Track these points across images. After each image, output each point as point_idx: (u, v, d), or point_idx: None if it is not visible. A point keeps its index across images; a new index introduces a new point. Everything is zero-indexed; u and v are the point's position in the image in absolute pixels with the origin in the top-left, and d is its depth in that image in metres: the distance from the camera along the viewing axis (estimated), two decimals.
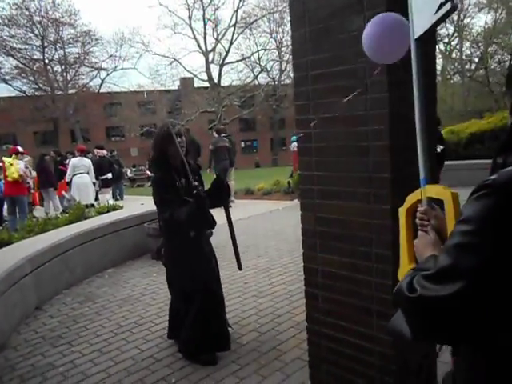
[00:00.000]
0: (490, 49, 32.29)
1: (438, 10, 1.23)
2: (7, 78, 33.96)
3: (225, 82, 35.94)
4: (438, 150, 11.45)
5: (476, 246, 0.84)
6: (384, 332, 2.24)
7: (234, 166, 10.66)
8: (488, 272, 0.82)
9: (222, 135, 10.41)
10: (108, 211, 7.57)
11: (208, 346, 3.26)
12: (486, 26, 33.28)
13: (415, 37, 1.40)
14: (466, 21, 34.53)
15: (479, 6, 33.40)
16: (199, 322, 3.24)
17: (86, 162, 10.51)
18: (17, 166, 9.13)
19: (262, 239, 7.10)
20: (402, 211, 1.42)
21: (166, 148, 3.12)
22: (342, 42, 2.19)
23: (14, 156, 9.38)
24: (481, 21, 47.87)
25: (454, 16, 34.17)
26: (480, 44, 32.87)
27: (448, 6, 1.19)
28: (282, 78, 35.43)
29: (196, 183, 3.03)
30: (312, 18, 2.30)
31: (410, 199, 1.41)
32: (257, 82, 35.78)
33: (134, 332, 3.86)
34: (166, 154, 3.14)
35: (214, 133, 10.60)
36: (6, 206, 9.85)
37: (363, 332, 2.33)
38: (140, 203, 10.42)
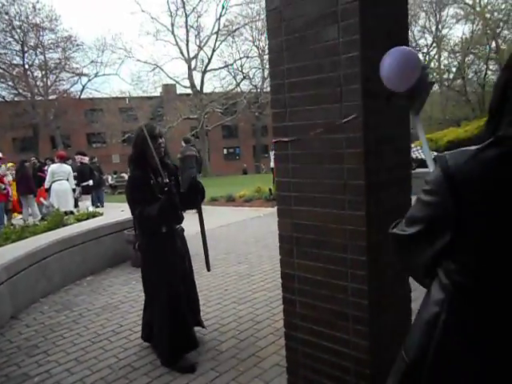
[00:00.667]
0: (467, 59, 33.07)
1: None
2: None
3: (207, 89, 36.07)
4: (421, 155, 11.68)
5: (428, 201, 1.16)
6: (360, 337, 2.27)
7: (200, 173, 10.93)
8: (435, 220, 1.14)
9: (190, 144, 10.72)
10: (87, 218, 7.48)
11: (179, 349, 3.28)
12: (464, 37, 34.13)
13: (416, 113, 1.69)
14: (444, 31, 35.38)
15: (457, 18, 34.24)
16: (165, 323, 3.27)
17: (66, 168, 10.36)
18: None
19: (243, 246, 7.11)
20: None
21: (144, 148, 3.19)
22: (317, 51, 2.24)
23: None
24: (458, 32, 49.12)
25: (433, 27, 35.00)
26: (457, 54, 33.65)
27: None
28: (265, 86, 35.60)
29: (167, 180, 3.12)
30: (288, 27, 2.34)
31: None
32: (239, 90, 35.91)
33: (112, 340, 3.82)
34: (145, 153, 3.22)
35: (182, 142, 10.93)
36: None
37: (339, 337, 2.35)
38: (120, 210, 10.35)
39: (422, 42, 34.84)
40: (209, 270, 3.71)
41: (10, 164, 12.60)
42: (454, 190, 1.07)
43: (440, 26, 34.93)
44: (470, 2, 32.27)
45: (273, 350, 3.42)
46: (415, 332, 1.26)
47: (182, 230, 3.55)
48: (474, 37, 32.61)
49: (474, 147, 1.09)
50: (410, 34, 32.55)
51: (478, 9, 32.02)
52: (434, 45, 35.07)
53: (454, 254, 1.15)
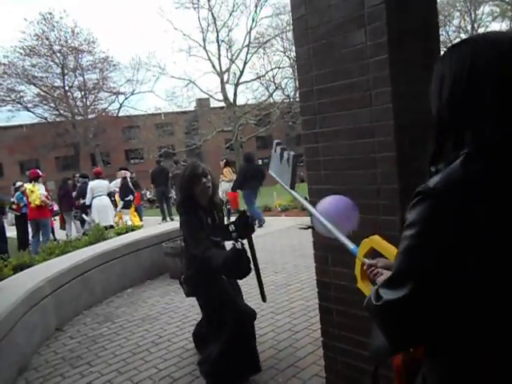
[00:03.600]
0: None
1: (288, 162, 1.77)
2: (29, 105, 35.05)
3: (240, 101, 36.31)
4: None
5: (419, 247, 0.91)
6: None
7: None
8: (433, 270, 0.89)
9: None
10: (127, 232, 7.67)
11: (236, 371, 3.12)
12: None
13: (289, 187, 1.88)
14: (480, 30, 34.35)
15: (493, 15, 33.28)
16: (231, 347, 3.07)
17: (104, 183, 10.69)
18: (37, 193, 9.30)
19: (280, 255, 7.08)
20: (359, 285, 1.56)
21: (191, 189, 3.13)
22: (345, 56, 2.23)
23: (33, 182, 9.55)
24: (495, 29, 47.50)
25: (468, 26, 34.12)
26: None
27: (291, 156, 1.77)
28: (297, 95, 35.63)
29: (235, 234, 3.06)
30: (314, 34, 2.34)
31: (357, 271, 1.53)
32: (272, 100, 36.03)
33: (152, 351, 3.87)
34: (192, 194, 3.14)
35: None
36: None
37: None
38: (158, 223, 10.56)
39: (457, 41, 33.99)
40: (264, 300, 3.54)
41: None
42: (453, 222, 0.88)
43: (476, 25, 34.02)
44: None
45: (312, 360, 3.37)
46: None
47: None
48: None
49: (451, 168, 0.93)
50: (444, 34, 31.88)
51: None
52: None
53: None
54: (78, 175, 13.81)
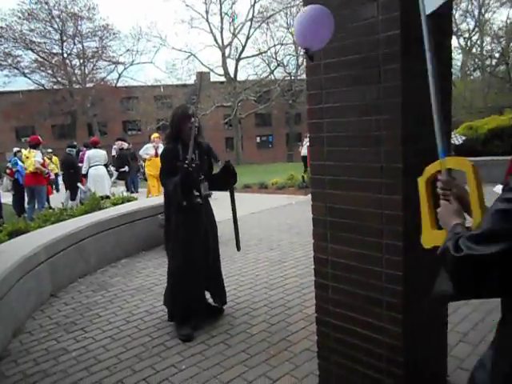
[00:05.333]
0: (511, 44, 31.59)
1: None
2: (26, 71, 34.53)
3: (241, 77, 35.94)
4: (459, 141, 11.26)
5: None
6: (393, 323, 2.23)
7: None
8: None
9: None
10: (123, 202, 7.65)
11: (184, 315, 3.60)
12: (508, 21, 32.56)
13: (427, 13, 1.48)
14: (487, 15, 33.83)
15: (501, 1, 32.66)
16: (174, 291, 3.62)
17: (101, 153, 10.61)
18: (32, 160, 9.22)
19: (275, 233, 7.11)
20: (422, 181, 1.47)
21: (179, 126, 3.49)
22: (355, 30, 2.17)
23: (29, 149, 9.46)
24: (502, 16, 46.77)
25: (475, 10, 33.57)
26: (501, 39, 32.17)
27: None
28: (299, 73, 35.23)
29: (193, 157, 3.37)
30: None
31: (429, 169, 1.46)
32: (273, 77, 35.65)
33: (146, 320, 3.91)
34: (179, 131, 3.51)
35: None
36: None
37: (372, 323, 2.32)
38: (150, 195, 10.54)
39: (463, 26, 33.45)
40: (239, 249, 3.91)
41: (49, 150, 13.04)
42: None
43: (483, 10, 33.45)
44: None
45: (303, 335, 3.42)
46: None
47: (201, 204, 3.61)
48: None
49: None
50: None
51: None
52: (477, 29, 33.65)
53: None
54: (75, 143, 13.69)
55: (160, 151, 9.70)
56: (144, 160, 11.28)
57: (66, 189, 11.35)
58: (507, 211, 0.95)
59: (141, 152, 10.95)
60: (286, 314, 3.85)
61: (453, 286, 1.03)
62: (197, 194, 3.53)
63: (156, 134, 11.10)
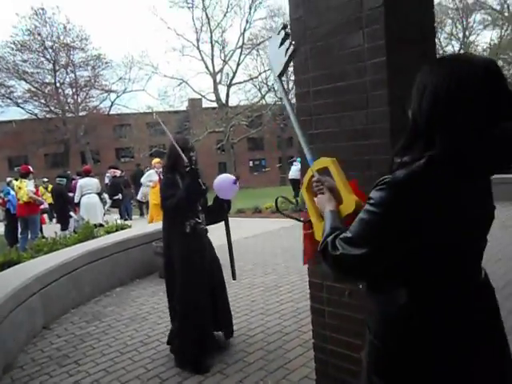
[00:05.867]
0: None
1: (286, 51, 1.75)
2: (19, 101, 34.61)
3: (232, 102, 36.20)
4: None
5: (377, 224, 1.18)
6: None
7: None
8: (384, 242, 1.18)
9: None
10: (116, 230, 7.61)
11: (195, 353, 3.43)
12: (492, 43, 33.45)
13: (277, 74, 1.82)
14: (471, 38, 34.77)
15: (484, 24, 33.65)
16: (188, 324, 3.46)
17: (94, 181, 10.60)
18: (25, 189, 9.18)
19: (270, 257, 7.07)
20: (303, 191, 1.67)
21: (177, 160, 3.53)
22: (342, 58, 2.23)
23: (20, 179, 9.42)
24: (486, 38, 48.14)
25: (459, 33, 34.48)
26: None
27: (291, 48, 1.73)
28: (289, 97, 35.72)
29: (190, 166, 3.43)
30: (312, 35, 2.35)
31: (305, 179, 1.66)
32: (264, 102, 36.06)
33: (141, 351, 3.84)
34: (177, 164, 3.57)
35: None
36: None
37: None
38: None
39: (449, 48, 34.27)
40: (234, 278, 3.88)
41: (44, 179, 13.01)
42: (406, 211, 1.14)
43: (467, 33, 34.38)
44: (498, 8, 31.71)
45: (301, 362, 3.37)
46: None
47: (206, 230, 3.70)
48: (502, 42, 31.95)
49: (416, 166, 1.14)
50: (436, 41, 32.28)
51: (506, 14, 31.41)
52: (462, 51, 34.49)
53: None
54: (68, 172, 13.73)
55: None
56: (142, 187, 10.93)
57: (57, 219, 11.28)
58: (367, 222, 1.19)
59: (143, 179, 10.49)
60: (283, 341, 3.80)
61: (332, 274, 1.36)
62: (199, 220, 3.55)
63: (157, 159, 10.66)
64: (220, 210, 3.74)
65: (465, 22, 34.39)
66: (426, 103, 1.16)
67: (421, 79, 1.21)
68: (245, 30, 34.75)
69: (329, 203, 1.47)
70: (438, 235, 1.16)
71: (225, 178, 3.74)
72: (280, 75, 1.81)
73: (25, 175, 9.48)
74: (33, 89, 34.62)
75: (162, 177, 9.38)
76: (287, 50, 1.75)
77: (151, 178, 10.22)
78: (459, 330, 1.21)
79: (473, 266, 1.27)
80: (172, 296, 3.60)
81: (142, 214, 13.67)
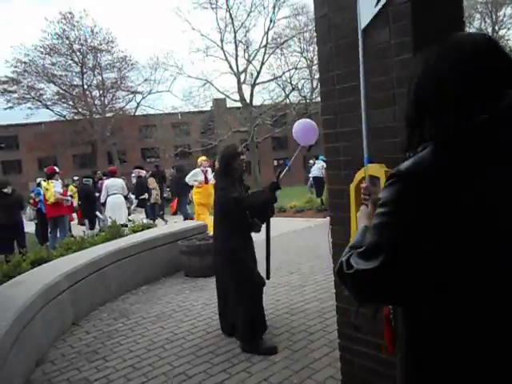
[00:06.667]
0: None
1: (377, 4, 1.62)
2: (49, 103, 35.59)
3: (257, 102, 36.17)
4: None
5: (390, 225, 1.01)
6: None
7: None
8: (402, 245, 0.98)
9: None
10: (143, 229, 7.72)
11: (260, 332, 3.75)
12: None
13: (362, 27, 1.74)
14: (501, 32, 33.81)
15: None
16: (251, 309, 3.73)
17: (119, 182, 10.78)
18: (52, 190, 9.39)
19: (295, 256, 7.05)
20: (352, 188, 1.63)
21: (231, 163, 3.77)
22: (368, 55, 2.19)
23: (47, 180, 9.63)
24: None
25: (489, 28, 33.60)
26: None
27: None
28: (314, 96, 35.48)
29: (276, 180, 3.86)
30: (337, 33, 2.33)
31: (357, 176, 1.63)
32: (288, 101, 35.93)
33: (167, 348, 3.88)
34: (230, 168, 3.77)
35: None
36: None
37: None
38: (173, 221, 10.62)
39: None
40: (268, 277, 4.04)
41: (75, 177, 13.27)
42: (420, 204, 0.97)
43: (497, 27, 33.47)
44: None
45: (327, 362, 3.35)
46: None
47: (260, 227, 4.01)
48: None
49: (422, 155, 1.03)
50: None
51: None
52: None
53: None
54: (99, 172, 14.02)
55: (209, 176, 9.23)
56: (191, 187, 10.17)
57: (84, 218, 11.52)
58: (378, 226, 1.03)
59: (188, 178, 9.78)
60: (308, 340, 3.79)
61: (353, 298, 1.10)
62: (257, 221, 3.87)
63: (203, 157, 10.10)
64: (264, 212, 3.89)
65: (494, 16, 33.50)
66: (412, 92, 1.12)
67: (409, 69, 1.17)
68: (269, 29, 34.68)
69: (367, 219, 1.38)
70: (463, 232, 0.97)
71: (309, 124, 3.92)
72: (363, 30, 1.71)
73: (51, 176, 9.67)
74: (61, 91, 35.52)
75: (207, 176, 9.33)
76: (377, 3, 1.67)
77: (197, 177, 9.54)
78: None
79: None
80: (224, 290, 3.94)
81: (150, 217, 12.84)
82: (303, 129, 3.68)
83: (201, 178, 9.46)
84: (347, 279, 1.06)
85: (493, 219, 0.97)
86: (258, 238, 4.07)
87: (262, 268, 3.97)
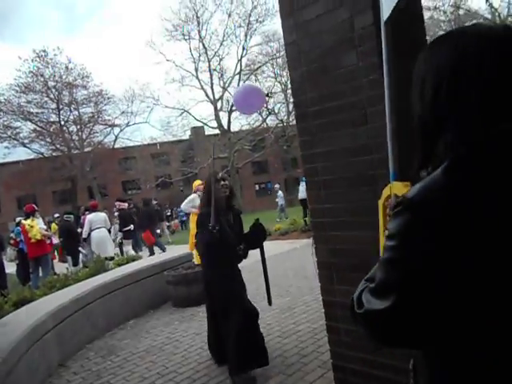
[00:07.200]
0: None
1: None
2: (25, 141, 35.24)
3: (234, 128, 36.65)
4: None
5: (399, 260, 0.87)
6: (407, 361, 2.18)
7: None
8: (413, 283, 0.85)
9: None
10: (127, 262, 7.62)
11: (249, 361, 3.55)
12: None
13: (384, 19, 1.64)
14: None
15: None
16: (241, 338, 3.53)
17: (102, 215, 10.72)
18: (37, 227, 9.26)
19: (283, 279, 7.03)
20: (380, 204, 1.56)
21: (211, 191, 3.63)
22: (338, 77, 2.28)
23: (31, 218, 9.49)
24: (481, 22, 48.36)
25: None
26: None
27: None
28: (290, 119, 36.03)
29: (214, 226, 3.42)
30: (307, 57, 2.41)
31: (384, 193, 1.56)
32: (266, 125, 36.43)
33: (158, 383, 3.80)
34: (211, 195, 3.62)
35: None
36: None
37: (388, 364, 2.27)
38: (159, 253, 10.52)
39: None
40: (270, 304, 4.03)
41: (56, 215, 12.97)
42: (433, 236, 0.82)
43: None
44: (489, 17, 32.11)
45: None
46: None
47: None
48: None
49: (432, 177, 0.87)
50: None
51: (498, 22, 31.79)
52: None
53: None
54: (82, 207, 13.92)
55: None
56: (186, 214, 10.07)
57: (67, 255, 11.35)
58: (388, 261, 0.90)
59: (184, 205, 9.37)
60: (301, 363, 3.76)
61: (368, 339, 0.95)
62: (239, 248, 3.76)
63: (198, 181, 9.47)
64: (256, 239, 3.88)
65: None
66: (429, 93, 0.92)
67: (418, 68, 0.98)
68: (242, 57, 35.42)
69: None
70: (485, 264, 0.80)
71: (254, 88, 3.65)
72: (386, 22, 1.64)
73: (30, 214, 9.55)
74: (38, 128, 35.30)
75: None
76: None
77: (194, 203, 8.82)
78: None
79: None
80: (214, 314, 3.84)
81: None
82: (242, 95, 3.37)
83: (198, 203, 8.92)
84: (359, 319, 0.95)
85: None
86: (246, 262, 4.05)
87: (261, 295, 3.97)
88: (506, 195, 0.81)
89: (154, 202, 17.65)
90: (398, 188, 1.46)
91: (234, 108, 36.23)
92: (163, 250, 11.76)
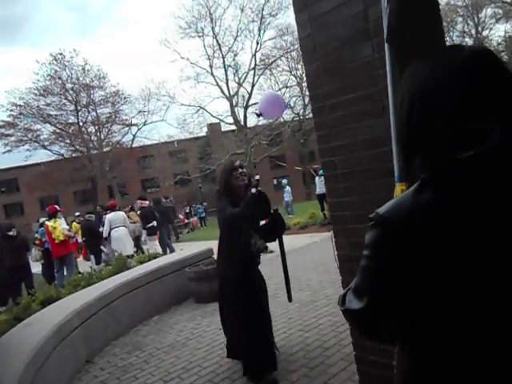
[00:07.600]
0: None
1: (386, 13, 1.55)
2: (46, 143, 36.01)
3: (251, 123, 36.64)
4: None
5: (370, 268, 0.99)
6: None
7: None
8: (381, 289, 0.96)
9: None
10: (149, 260, 7.72)
11: (261, 368, 3.44)
12: (507, 35, 32.95)
13: (385, 39, 1.67)
14: (484, 33, 34.36)
15: (496, 17, 33.25)
16: (248, 340, 3.44)
17: (121, 214, 10.89)
18: (59, 228, 9.43)
19: (303, 272, 7.04)
20: None
21: (229, 179, 3.45)
22: (354, 69, 2.26)
23: (53, 219, 9.67)
24: (500, 31, 47.48)
25: (472, 30, 34.14)
26: (503, 53, 32.48)
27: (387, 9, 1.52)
28: (306, 112, 35.85)
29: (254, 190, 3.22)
30: (322, 51, 2.40)
31: (395, 194, 1.60)
32: (282, 119, 36.33)
33: (183, 378, 3.85)
34: (230, 185, 3.45)
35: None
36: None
37: None
38: (179, 249, 10.62)
39: None
40: (290, 300, 3.83)
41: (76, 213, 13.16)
42: (399, 249, 0.91)
43: (480, 28, 34.01)
44: (508, 0, 31.32)
45: (345, 377, 3.32)
46: None
47: (259, 262, 3.70)
48: None
49: (403, 196, 0.95)
50: (448, 40, 32.06)
51: None
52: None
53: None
54: (98, 207, 14.05)
55: None
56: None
57: (90, 254, 11.55)
58: (364, 268, 1.00)
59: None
60: (324, 356, 3.76)
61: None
62: (254, 242, 3.54)
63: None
64: (273, 231, 3.62)
65: (476, 18, 34.09)
66: (403, 113, 0.98)
67: (400, 87, 1.03)
68: (256, 52, 35.32)
69: None
70: (441, 271, 0.90)
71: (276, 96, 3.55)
72: (387, 40, 1.62)
73: (53, 215, 9.73)
74: (57, 130, 36.00)
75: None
76: (386, 9, 1.59)
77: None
78: None
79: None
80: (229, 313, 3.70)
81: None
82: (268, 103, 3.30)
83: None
84: (343, 315, 1.08)
85: (482, 262, 0.88)
86: (265, 256, 4.06)
87: (283, 290, 3.88)
88: (460, 219, 0.88)
89: (164, 200, 17.48)
90: (398, 190, 1.53)
91: (249, 103, 36.32)
92: (163, 250, 11.41)
